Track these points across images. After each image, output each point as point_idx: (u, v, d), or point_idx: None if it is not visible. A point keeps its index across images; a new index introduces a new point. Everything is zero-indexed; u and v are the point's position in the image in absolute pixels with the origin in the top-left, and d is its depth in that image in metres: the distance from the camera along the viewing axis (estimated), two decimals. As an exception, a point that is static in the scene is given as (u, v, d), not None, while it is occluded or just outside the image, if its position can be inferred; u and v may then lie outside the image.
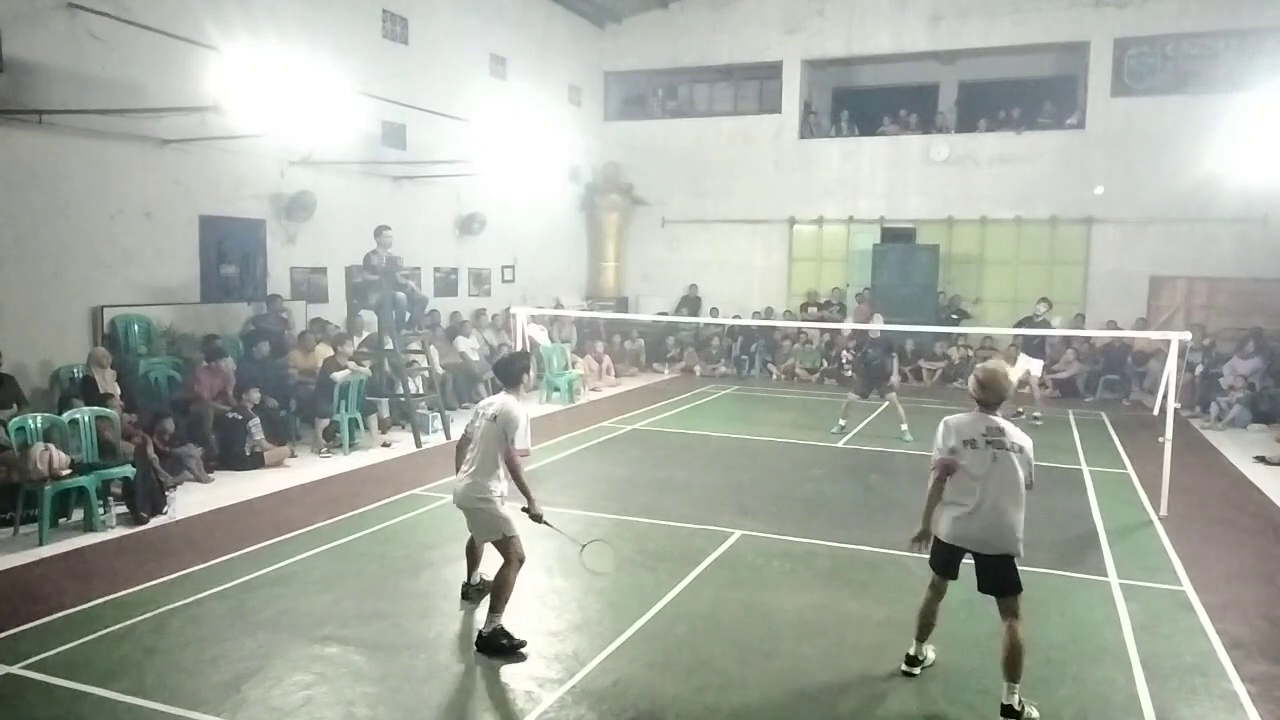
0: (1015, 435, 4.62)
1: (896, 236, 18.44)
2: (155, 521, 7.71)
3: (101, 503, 7.59)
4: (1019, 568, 4.65)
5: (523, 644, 5.21)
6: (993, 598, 4.67)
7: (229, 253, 11.78)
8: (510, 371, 5.68)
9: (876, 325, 12.35)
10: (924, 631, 4.97)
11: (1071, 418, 13.73)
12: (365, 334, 12.17)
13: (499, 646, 5.19)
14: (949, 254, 18.25)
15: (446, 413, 11.89)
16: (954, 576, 4.83)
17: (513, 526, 5.35)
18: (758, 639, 5.51)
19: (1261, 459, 10.96)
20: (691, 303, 19.79)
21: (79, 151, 9.79)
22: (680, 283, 20.22)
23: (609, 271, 20.61)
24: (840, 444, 11.62)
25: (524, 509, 5.35)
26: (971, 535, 4.62)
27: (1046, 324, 13.30)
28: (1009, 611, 4.55)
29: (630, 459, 10.65)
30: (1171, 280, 17.18)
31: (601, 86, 20.96)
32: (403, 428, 11.72)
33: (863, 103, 20.19)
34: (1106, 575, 6.73)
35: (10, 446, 7.60)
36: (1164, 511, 8.32)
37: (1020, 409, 12.85)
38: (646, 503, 8.55)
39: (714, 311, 18.87)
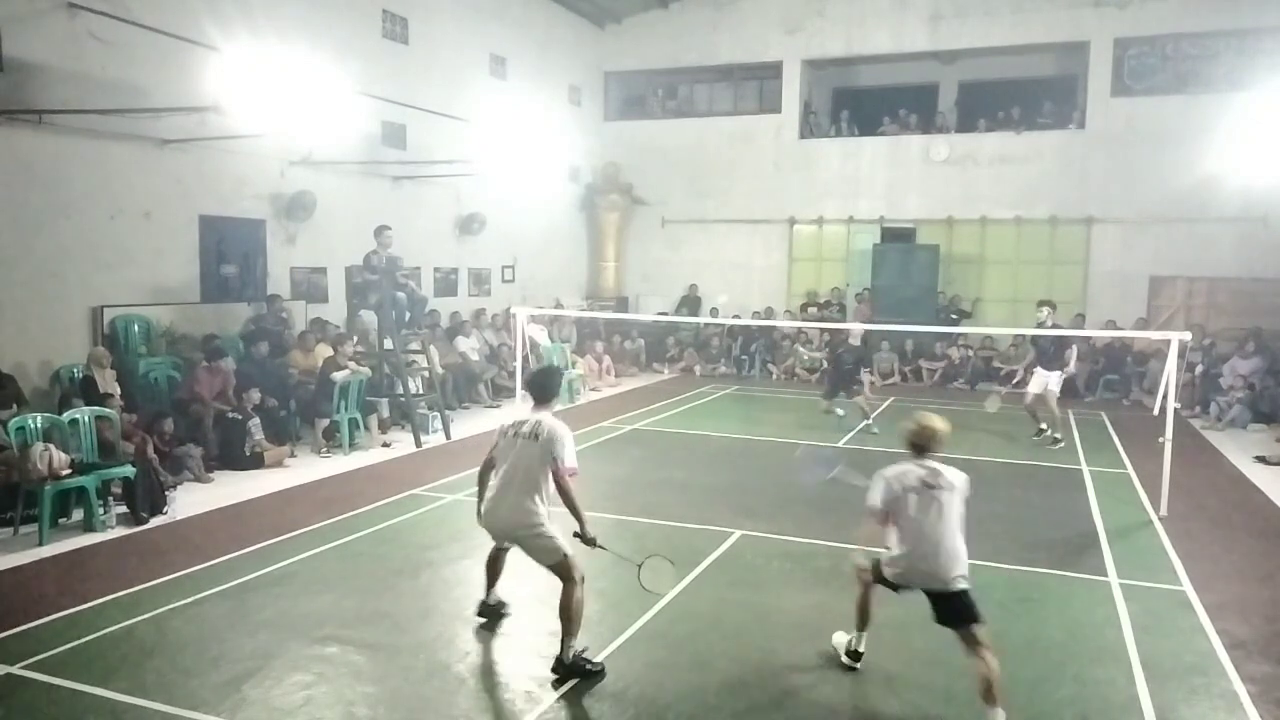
0: (949, 475, 4.75)
1: (896, 236, 18.44)
2: (155, 521, 7.70)
3: (101, 503, 7.59)
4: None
5: (602, 668, 4.96)
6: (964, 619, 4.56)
7: (229, 253, 11.78)
8: (546, 387, 5.37)
9: (858, 328, 12.33)
10: (865, 621, 5.04)
11: (1071, 418, 13.71)
12: (359, 336, 12.14)
13: (582, 671, 4.90)
14: (949, 254, 18.25)
15: (446, 413, 11.89)
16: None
17: (567, 544, 5.01)
18: (758, 639, 5.51)
19: (1261, 459, 10.96)
20: (691, 303, 19.79)
21: (79, 151, 9.79)
22: (680, 283, 20.21)
23: (609, 271, 20.61)
24: (841, 444, 11.62)
25: (575, 533, 5.03)
26: (919, 577, 4.68)
27: (1057, 327, 12.05)
28: (973, 642, 4.50)
29: (630, 459, 10.65)
30: (1171, 280, 17.18)
31: (601, 86, 20.96)
32: (403, 428, 11.72)
33: (863, 103, 20.18)
34: (1106, 575, 6.73)
35: (10, 446, 7.60)
36: (1164, 511, 8.32)
37: (1043, 425, 11.89)
38: (646, 503, 8.54)
39: (714, 311, 18.88)
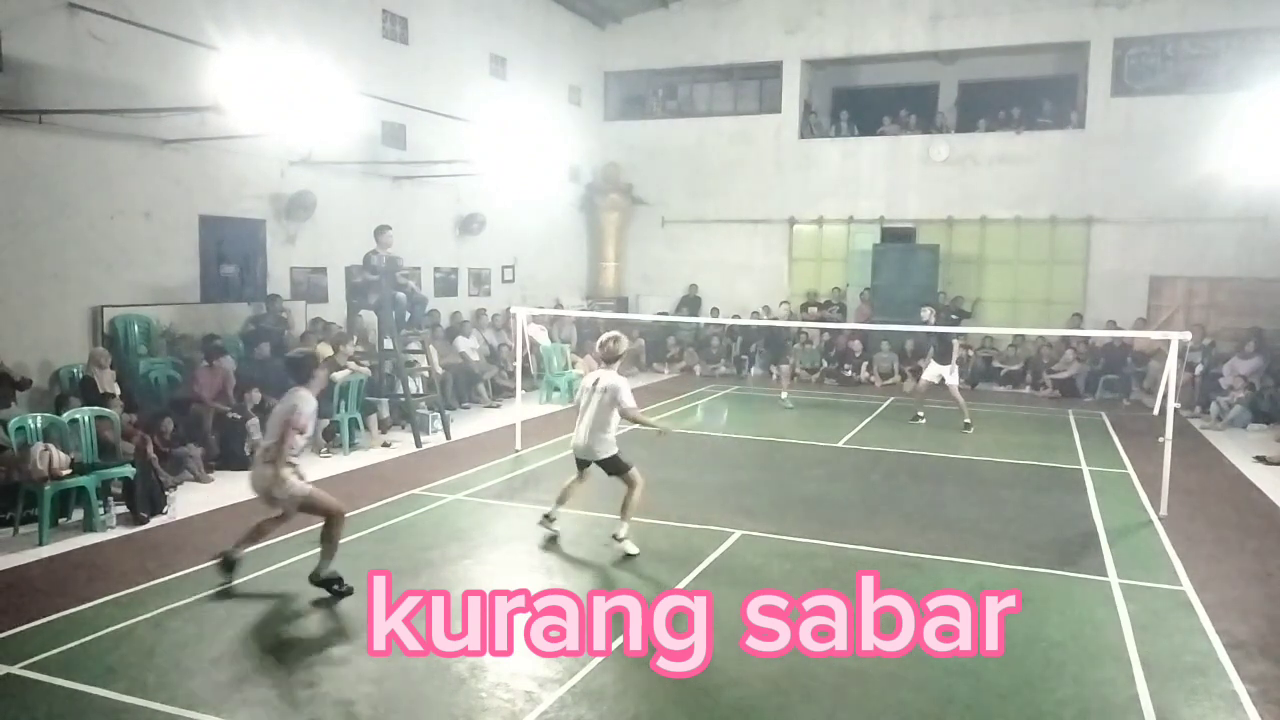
0: (605, 381, 7.01)
1: (896, 236, 18.45)
2: (155, 521, 7.70)
3: (101, 503, 7.58)
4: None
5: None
6: None
7: (229, 253, 11.78)
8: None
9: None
10: (562, 501, 7.37)
11: (1071, 418, 13.73)
12: (359, 336, 12.13)
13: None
14: (949, 254, 18.26)
15: (446, 413, 11.88)
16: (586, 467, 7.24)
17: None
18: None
19: (1261, 459, 10.95)
20: (691, 303, 19.79)
21: (79, 151, 9.80)
22: (680, 283, 20.23)
23: (609, 271, 20.61)
24: (840, 443, 11.63)
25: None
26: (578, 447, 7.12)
27: (949, 322, 13.64)
28: (626, 482, 7.10)
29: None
30: (1171, 280, 17.18)
31: (601, 86, 20.96)
32: (403, 428, 11.71)
33: (863, 103, 20.19)
34: (1106, 575, 6.73)
35: (10, 446, 7.60)
36: (1164, 511, 8.32)
37: (920, 414, 13.19)
38: (647, 503, 8.46)
39: (714, 311, 18.87)
